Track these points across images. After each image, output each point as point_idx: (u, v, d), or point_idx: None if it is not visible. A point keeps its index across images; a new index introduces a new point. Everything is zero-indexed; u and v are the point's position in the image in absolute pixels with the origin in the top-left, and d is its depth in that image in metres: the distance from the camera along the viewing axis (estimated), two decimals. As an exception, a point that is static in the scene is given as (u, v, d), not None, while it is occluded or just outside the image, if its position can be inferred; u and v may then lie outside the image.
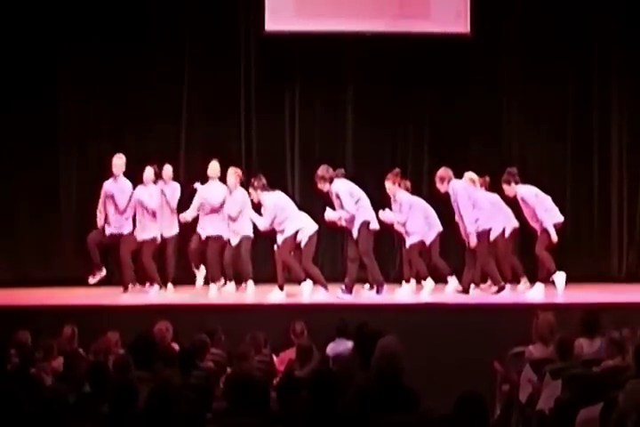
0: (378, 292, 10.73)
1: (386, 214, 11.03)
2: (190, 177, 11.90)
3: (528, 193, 10.79)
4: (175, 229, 11.56)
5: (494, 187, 11.35)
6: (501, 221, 11.23)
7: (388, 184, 11.09)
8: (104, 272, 11.30)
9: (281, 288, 10.65)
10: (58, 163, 12.75)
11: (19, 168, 12.61)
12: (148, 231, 11.34)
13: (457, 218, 10.77)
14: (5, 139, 12.56)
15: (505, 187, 10.96)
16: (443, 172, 10.84)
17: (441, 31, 12.59)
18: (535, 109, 12.92)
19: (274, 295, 10.57)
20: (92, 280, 11.28)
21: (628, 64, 12.86)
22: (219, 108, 12.86)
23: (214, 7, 12.75)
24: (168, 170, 11.60)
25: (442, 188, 10.81)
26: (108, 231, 11.26)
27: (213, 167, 11.37)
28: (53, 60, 12.64)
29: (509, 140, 13.02)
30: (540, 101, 12.90)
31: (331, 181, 10.70)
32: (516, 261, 11.48)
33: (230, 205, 11.27)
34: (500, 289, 10.79)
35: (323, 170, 10.74)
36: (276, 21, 12.53)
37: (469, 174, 11.18)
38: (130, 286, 11.22)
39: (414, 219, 11.06)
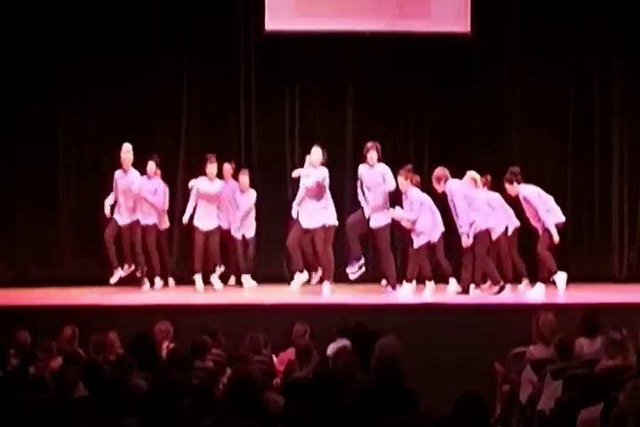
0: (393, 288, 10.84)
1: (397, 213, 11.00)
2: (190, 175, 11.91)
3: (531, 193, 10.78)
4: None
5: (495, 186, 11.35)
6: (503, 221, 11.22)
7: (401, 179, 11.00)
8: (122, 271, 11.48)
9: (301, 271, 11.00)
10: (58, 163, 12.73)
11: (18, 168, 12.59)
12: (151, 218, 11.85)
13: (455, 217, 10.77)
14: (5, 139, 12.55)
15: (507, 186, 10.94)
16: (439, 171, 10.84)
17: (441, 30, 12.57)
18: (536, 109, 12.90)
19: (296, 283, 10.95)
20: (112, 280, 11.46)
21: (629, 64, 12.84)
22: (219, 107, 12.85)
23: (214, 7, 12.73)
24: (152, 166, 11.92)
25: (439, 188, 10.82)
26: (122, 222, 11.54)
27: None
28: (53, 59, 12.62)
29: (510, 140, 13.00)
30: (541, 101, 12.88)
31: None
32: (520, 260, 11.45)
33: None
34: (501, 289, 10.77)
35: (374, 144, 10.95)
36: (275, 21, 12.52)
37: (471, 174, 11.17)
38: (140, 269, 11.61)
39: (424, 217, 11.01)
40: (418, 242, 11.04)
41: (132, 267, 11.57)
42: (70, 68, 12.68)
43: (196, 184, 11.70)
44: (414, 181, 11.15)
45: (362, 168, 11.02)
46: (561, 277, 10.60)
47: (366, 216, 10.92)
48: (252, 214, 12.12)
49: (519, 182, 10.85)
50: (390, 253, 11.09)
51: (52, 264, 12.48)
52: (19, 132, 12.52)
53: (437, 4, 12.59)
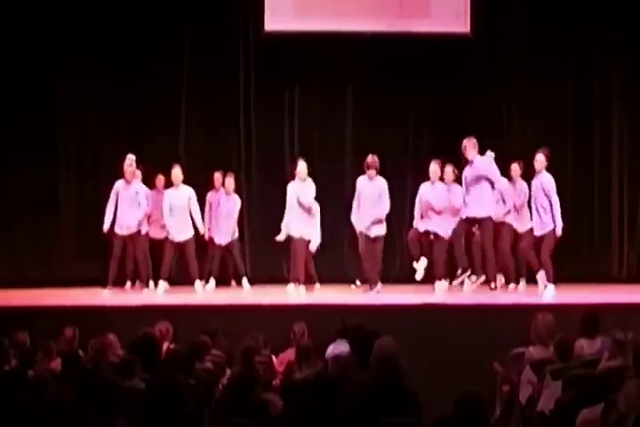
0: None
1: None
2: (188, 176, 11.91)
3: (551, 182, 10.72)
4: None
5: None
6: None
7: (442, 169, 11.19)
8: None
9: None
10: (57, 163, 12.73)
11: (18, 169, 12.58)
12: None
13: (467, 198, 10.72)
14: (5, 139, 12.54)
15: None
16: (467, 141, 10.74)
17: (441, 31, 12.58)
18: (535, 109, 12.90)
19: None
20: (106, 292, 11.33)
21: (629, 63, 12.85)
22: (218, 108, 12.85)
23: (214, 7, 12.73)
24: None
25: (469, 155, 10.69)
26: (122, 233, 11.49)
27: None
28: (53, 59, 12.62)
29: (509, 139, 13.01)
30: (541, 101, 12.88)
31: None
32: (512, 261, 11.43)
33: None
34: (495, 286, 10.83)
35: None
36: (275, 21, 12.53)
37: None
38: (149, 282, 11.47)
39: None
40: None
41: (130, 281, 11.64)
42: (70, 69, 12.67)
43: (165, 195, 11.56)
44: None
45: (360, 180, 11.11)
46: (550, 290, 10.54)
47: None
48: (234, 219, 11.95)
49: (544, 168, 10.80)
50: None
51: (52, 265, 12.47)
52: (19, 133, 12.51)
53: (437, 5, 12.60)
